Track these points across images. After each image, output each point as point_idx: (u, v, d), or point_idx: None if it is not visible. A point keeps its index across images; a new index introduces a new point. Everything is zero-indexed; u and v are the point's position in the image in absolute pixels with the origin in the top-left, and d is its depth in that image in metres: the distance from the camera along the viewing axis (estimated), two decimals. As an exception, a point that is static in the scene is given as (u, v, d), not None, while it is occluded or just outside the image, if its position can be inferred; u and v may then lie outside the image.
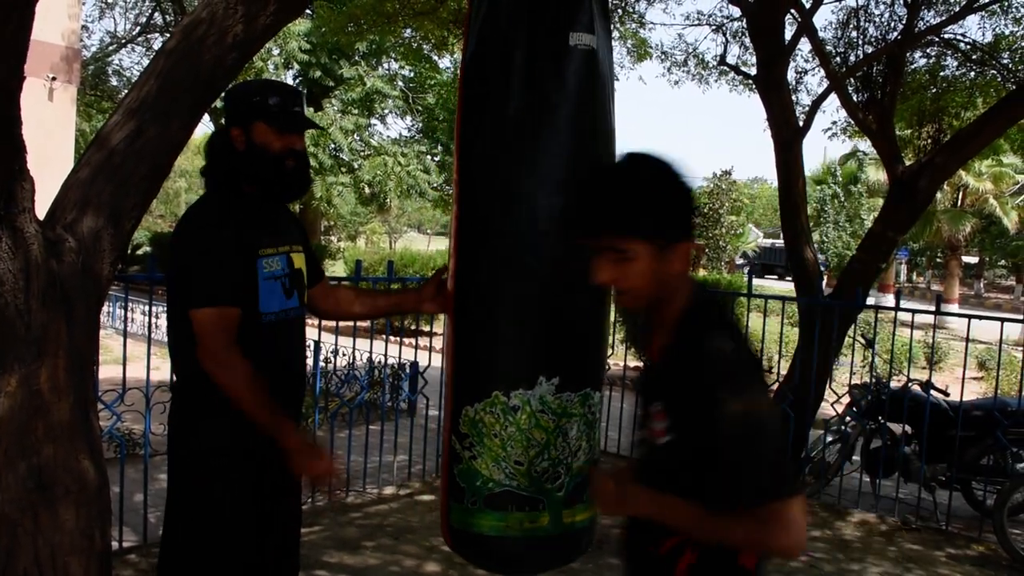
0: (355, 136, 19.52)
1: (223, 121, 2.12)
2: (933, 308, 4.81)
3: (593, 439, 2.35)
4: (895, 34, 6.43)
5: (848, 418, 5.47)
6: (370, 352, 5.65)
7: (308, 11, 16.13)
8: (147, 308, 3.99)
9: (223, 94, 2.20)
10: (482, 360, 2.31)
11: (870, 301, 7.48)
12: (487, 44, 2.30)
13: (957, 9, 6.54)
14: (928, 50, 7.32)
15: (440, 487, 2.43)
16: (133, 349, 4.24)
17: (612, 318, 10.55)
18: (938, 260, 31.85)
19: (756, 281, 6.13)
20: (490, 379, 2.26)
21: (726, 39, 7.91)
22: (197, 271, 1.98)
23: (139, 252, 22.44)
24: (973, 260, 33.13)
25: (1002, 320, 4.71)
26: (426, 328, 13.19)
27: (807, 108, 7.00)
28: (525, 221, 2.25)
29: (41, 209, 2.05)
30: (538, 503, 2.27)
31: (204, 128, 20.17)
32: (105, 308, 2.61)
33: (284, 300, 2.08)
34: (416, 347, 6.46)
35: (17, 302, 1.95)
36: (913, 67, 7.37)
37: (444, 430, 2.39)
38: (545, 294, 2.27)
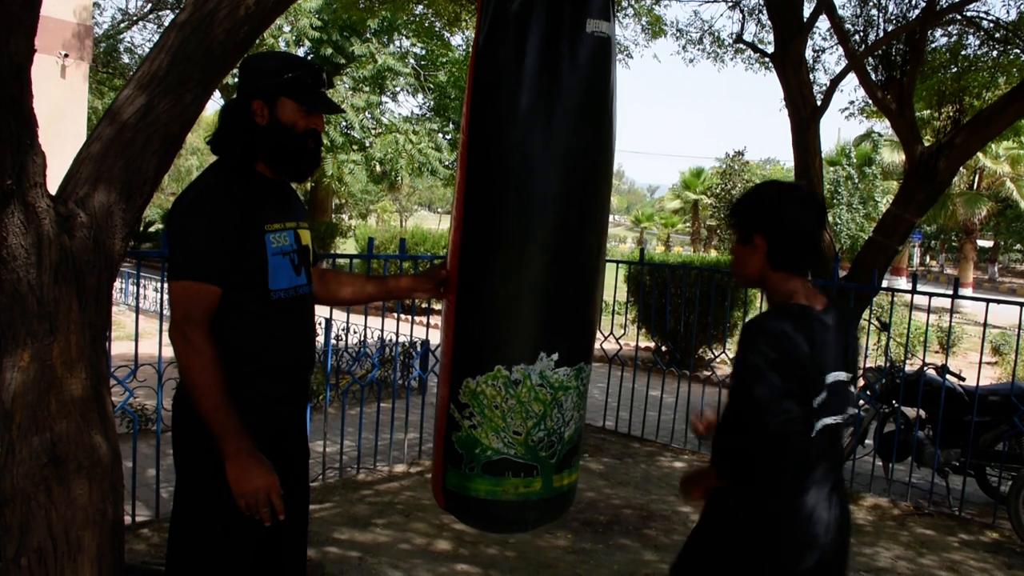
0: (366, 114, 19.47)
1: (238, 92, 2.07)
2: (950, 292, 4.75)
3: (582, 408, 2.47)
4: (916, 12, 6.32)
5: (862, 401, 5.44)
6: (381, 330, 5.64)
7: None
8: (159, 284, 3.99)
9: (240, 64, 2.16)
10: (486, 335, 2.37)
11: (884, 284, 7.42)
12: (501, 27, 2.29)
13: (980, -14, 6.41)
14: (949, 28, 7.20)
15: (434, 452, 2.47)
16: (145, 325, 4.25)
17: (625, 299, 10.47)
18: (952, 243, 31.61)
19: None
20: (493, 354, 2.34)
21: (743, 16, 7.81)
22: (186, 242, 1.94)
23: (151, 229, 22.56)
24: (988, 244, 32.86)
25: (1021, 304, 4.65)
26: (437, 307, 13.20)
27: (825, 87, 6.91)
28: (533, 200, 2.28)
29: (54, 186, 2.04)
30: (532, 469, 2.38)
31: (215, 104, 20.16)
32: (118, 284, 2.61)
33: (294, 276, 2.05)
34: (427, 325, 6.45)
35: (29, 277, 1.94)
36: (934, 46, 7.25)
37: (441, 398, 2.43)
38: (548, 272, 2.32)
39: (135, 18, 18.41)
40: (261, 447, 1.96)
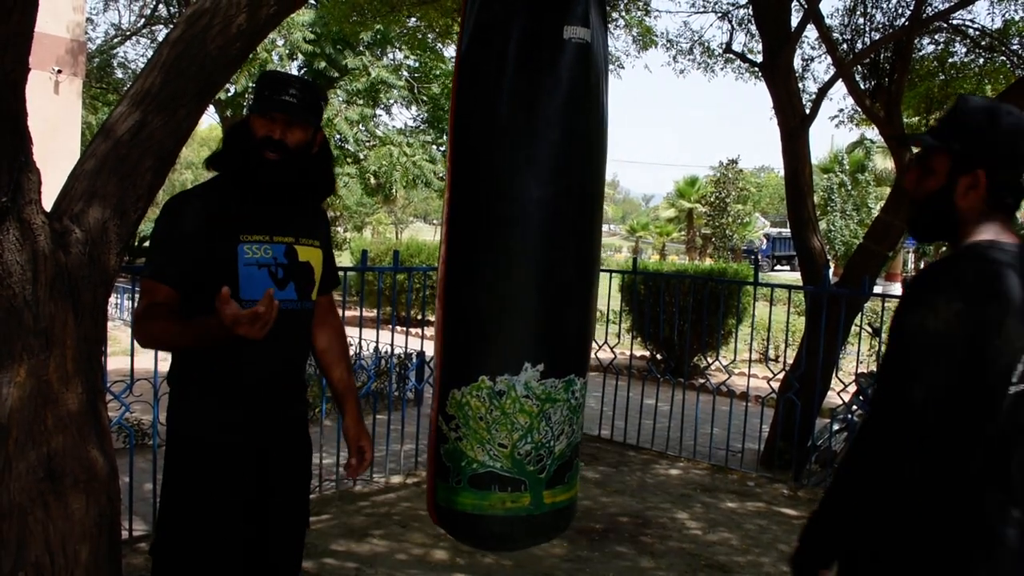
0: (360, 127, 19.53)
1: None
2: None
3: (576, 423, 2.41)
4: (903, 20, 6.39)
5: (854, 407, 5.47)
6: (376, 341, 5.65)
7: (312, 1, 16.11)
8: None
9: None
10: (469, 345, 2.35)
11: (877, 290, 7.45)
12: (482, 35, 2.31)
13: (965, -6, 6.49)
14: (936, 36, 7.26)
15: (427, 465, 2.47)
16: (141, 340, 4.25)
17: (618, 307, 10.48)
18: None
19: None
20: (477, 364, 2.31)
21: (732, 26, 7.87)
22: (151, 243, 2.05)
23: (146, 244, 22.52)
24: (981, 248, 32.92)
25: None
26: (432, 318, 13.20)
27: (814, 96, 6.96)
28: (516, 210, 2.28)
29: (48, 201, 2.06)
30: (520, 484, 2.33)
31: (209, 119, 20.16)
32: (112, 299, 2.62)
33: (275, 291, 1.96)
34: (422, 336, 6.47)
35: (25, 293, 1.95)
36: (921, 54, 7.32)
37: (432, 410, 2.43)
38: (533, 282, 2.30)
39: (128, 33, 18.44)
40: (231, 457, 2.02)
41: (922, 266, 38.64)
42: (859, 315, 5.79)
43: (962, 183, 1.53)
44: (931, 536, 1.47)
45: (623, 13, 8.74)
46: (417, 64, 19.91)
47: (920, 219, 1.62)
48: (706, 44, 8.66)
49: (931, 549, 1.47)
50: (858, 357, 5.97)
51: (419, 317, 13.20)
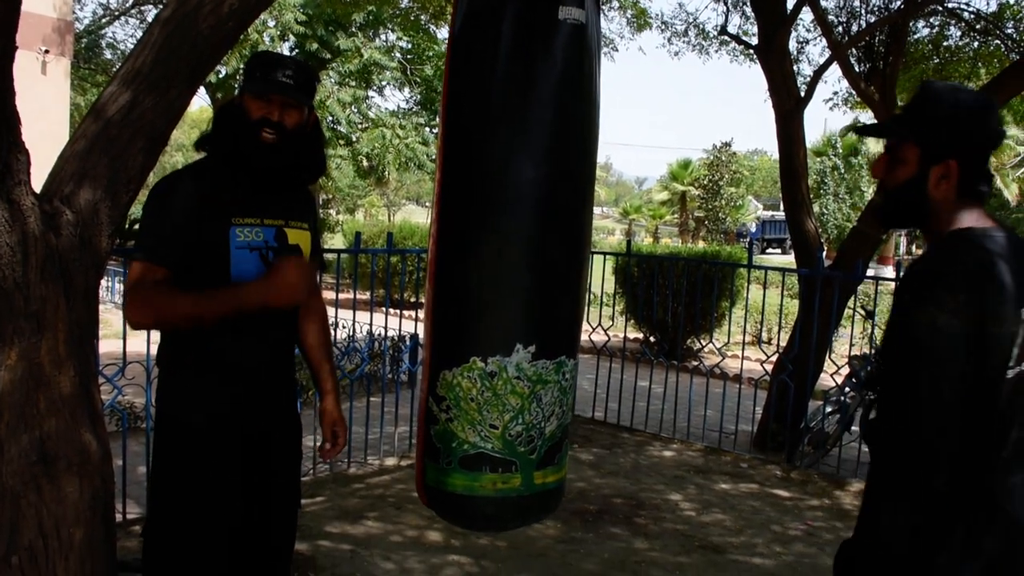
0: (353, 108, 19.39)
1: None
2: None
3: (566, 404, 2.42)
4: (898, 3, 6.36)
5: (847, 389, 5.50)
6: (370, 324, 5.64)
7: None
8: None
9: None
10: (461, 326, 2.36)
11: (870, 273, 7.48)
12: (476, 15, 2.29)
13: (961, -23, 6.47)
14: (931, 19, 7.25)
15: (416, 446, 2.47)
16: (133, 323, 4.23)
17: (614, 290, 10.51)
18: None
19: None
20: (468, 345, 2.32)
21: (727, 8, 7.82)
22: (141, 224, 2.02)
23: (137, 227, 22.40)
24: (973, 231, 33.04)
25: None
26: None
27: (808, 78, 6.95)
28: (508, 190, 2.27)
29: (37, 182, 2.04)
30: (511, 465, 2.34)
31: (199, 101, 19.96)
32: (104, 283, 2.60)
33: (264, 272, 2.00)
34: (416, 319, 6.47)
35: (15, 275, 1.93)
36: (916, 37, 7.31)
37: (421, 391, 2.43)
38: (525, 263, 2.30)
39: (116, 13, 18.22)
40: (219, 437, 2.00)
41: (914, 249, 38.82)
42: (852, 298, 5.80)
43: (934, 173, 1.50)
44: (947, 525, 1.47)
45: (617, -6, 8.69)
46: (410, 46, 19.76)
47: (892, 208, 1.60)
48: (701, 26, 8.65)
49: (946, 538, 1.47)
50: (851, 340, 6.00)
51: (412, 299, 13.18)
